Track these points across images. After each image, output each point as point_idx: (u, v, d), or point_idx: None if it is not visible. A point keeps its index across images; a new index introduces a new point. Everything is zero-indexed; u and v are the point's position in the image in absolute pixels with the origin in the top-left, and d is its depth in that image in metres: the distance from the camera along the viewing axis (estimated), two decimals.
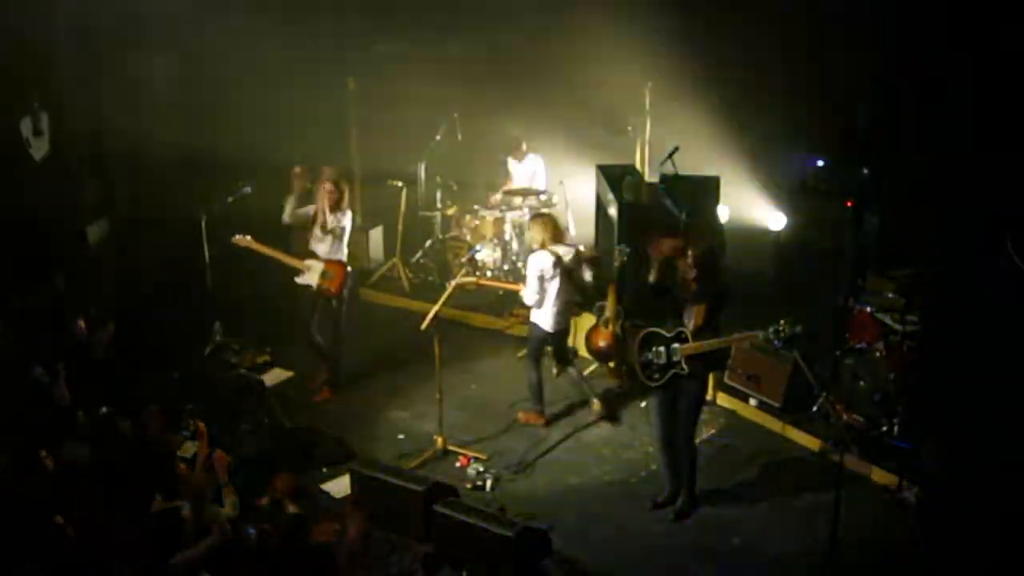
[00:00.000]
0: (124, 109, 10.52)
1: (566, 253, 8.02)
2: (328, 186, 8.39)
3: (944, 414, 6.85)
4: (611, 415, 8.46)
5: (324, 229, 8.42)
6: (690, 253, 6.67)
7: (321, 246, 8.47)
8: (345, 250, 8.58)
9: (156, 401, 7.92)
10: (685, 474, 7.13)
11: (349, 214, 8.58)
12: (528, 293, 7.98)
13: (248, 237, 8.54)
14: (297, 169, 8.67)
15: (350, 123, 11.48)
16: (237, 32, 10.24)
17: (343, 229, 8.47)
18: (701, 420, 8.03)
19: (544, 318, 8.07)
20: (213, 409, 8.26)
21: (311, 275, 8.46)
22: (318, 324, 8.67)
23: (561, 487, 7.59)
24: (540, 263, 7.89)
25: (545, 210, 8.81)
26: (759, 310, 9.53)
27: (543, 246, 7.95)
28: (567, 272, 7.98)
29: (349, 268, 8.61)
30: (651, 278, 6.91)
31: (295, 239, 9.05)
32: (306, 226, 8.53)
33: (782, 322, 6.63)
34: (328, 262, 8.47)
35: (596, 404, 8.51)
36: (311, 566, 5.54)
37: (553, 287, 7.95)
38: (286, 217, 8.60)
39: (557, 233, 8.06)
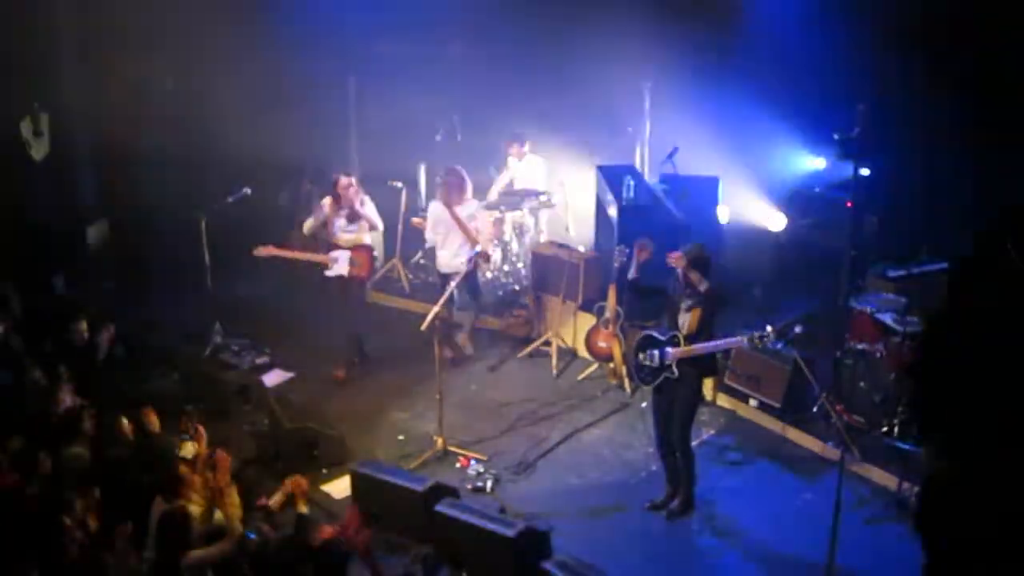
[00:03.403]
0: (124, 110, 10.52)
1: (463, 211, 8.87)
2: (345, 181, 8.73)
3: (944, 414, 6.85)
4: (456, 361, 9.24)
5: (352, 220, 8.79)
6: (682, 258, 6.68)
7: (345, 235, 8.82)
8: (368, 236, 8.99)
9: (156, 402, 7.95)
10: (683, 476, 7.15)
11: (368, 200, 8.95)
12: (427, 234, 9.20)
13: (270, 247, 8.78)
14: (328, 201, 8.85)
15: (350, 123, 11.49)
16: (238, 32, 10.23)
17: (372, 219, 8.91)
18: (701, 420, 8.08)
19: (440, 259, 9.07)
20: (213, 410, 8.28)
21: (340, 266, 8.78)
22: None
23: (561, 488, 7.59)
24: (433, 211, 9.10)
25: (453, 169, 9.14)
26: (758, 311, 9.59)
27: (441, 200, 8.96)
28: (459, 224, 8.87)
29: (374, 250, 9.07)
30: (631, 274, 6.93)
31: (296, 238, 9.12)
32: (321, 232, 8.92)
33: (768, 328, 6.73)
34: (354, 249, 8.79)
35: (449, 351, 9.08)
36: (312, 567, 5.54)
37: (444, 234, 8.93)
38: (306, 230, 8.98)
39: (452, 196, 8.87)
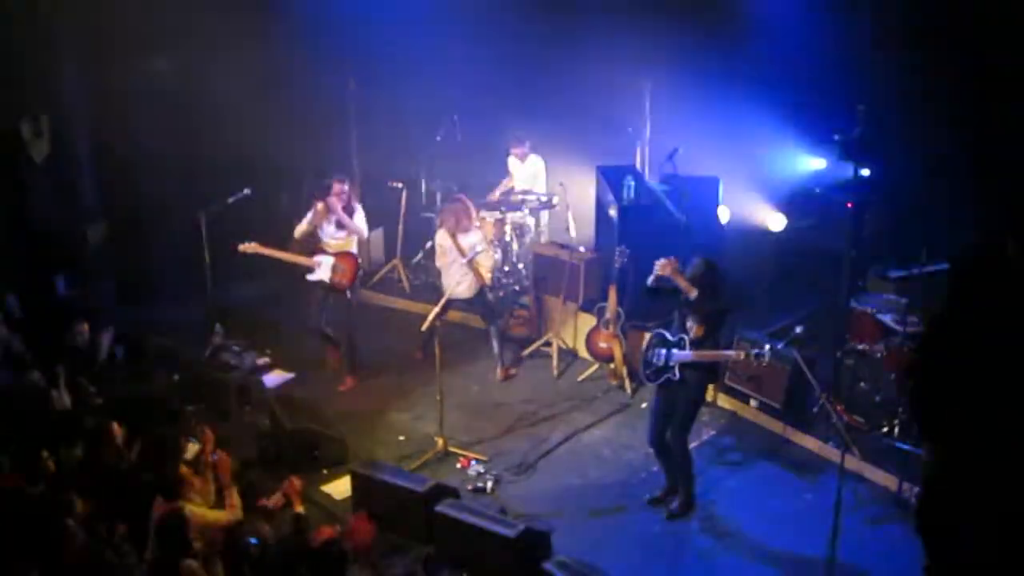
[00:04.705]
0: (124, 110, 10.51)
1: (466, 240, 8.76)
2: (338, 187, 8.70)
3: (944, 415, 6.85)
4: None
5: (340, 227, 8.74)
6: (688, 274, 6.70)
7: (333, 242, 8.77)
8: (355, 243, 8.91)
9: (156, 403, 7.95)
10: (681, 476, 7.17)
11: (359, 209, 8.89)
12: (437, 262, 9.07)
13: (253, 244, 8.70)
14: (320, 205, 8.80)
15: (350, 124, 11.48)
16: (237, 32, 10.23)
17: (357, 228, 8.84)
18: (702, 421, 8.09)
19: (445, 285, 8.88)
20: (214, 411, 8.29)
21: (322, 271, 8.71)
22: (328, 317, 8.95)
23: (562, 488, 7.59)
24: (439, 241, 8.99)
25: (459, 198, 9.15)
26: (759, 312, 9.60)
27: (445, 229, 8.85)
28: (460, 251, 8.76)
29: (359, 260, 8.91)
30: (649, 281, 6.95)
31: (292, 242, 9.13)
32: (313, 234, 8.83)
33: (767, 347, 6.88)
34: (338, 255, 8.72)
35: (500, 372, 9.20)
36: (315, 567, 5.54)
37: (449, 260, 8.84)
38: (297, 234, 8.89)
39: (460, 223, 8.81)
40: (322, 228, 8.77)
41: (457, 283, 8.78)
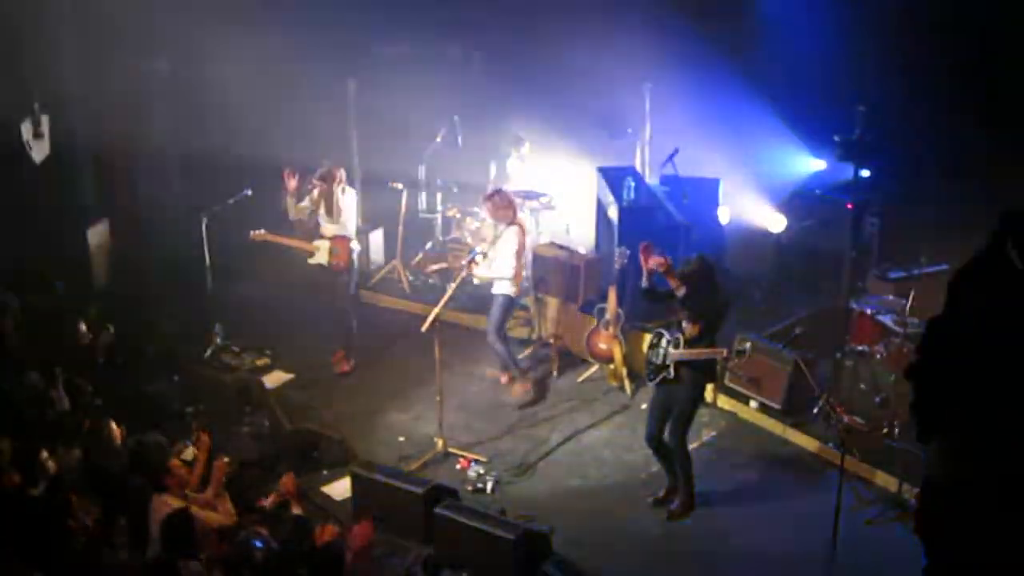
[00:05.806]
0: (124, 110, 10.51)
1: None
2: (319, 184, 8.87)
3: (944, 416, 6.84)
4: (528, 401, 8.80)
5: (331, 213, 8.93)
6: (678, 272, 6.72)
7: (329, 227, 8.99)
8: (351, 227, 9.09)
9: (156, 404, 7.95)
10: (681, 477, 7.17)
11: (350, 192, 9.05)
12: (505, 267, 8.38)
13: (262, 231, 9.02)
14: (288, 171, 8.94)
15: (350, 125, 11.48)
16: (237, 33, 10.23)
17: (346, 211, 8.96)
18: (702, 422, 8.09)
19: (513, 287, 8.51)
20: (213, 412, 8.28)
21: (321, 255, 8.98)
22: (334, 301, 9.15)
23: (562, 489, 7.60)
24: (522, 240, 8.45)
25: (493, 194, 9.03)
26: (759, 313, 9.60)
27: (515, 222, 8.47)
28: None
29: (353, 243, 9.05)
30: (643, 283, 6.97)
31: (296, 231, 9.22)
32: (310, 217, 9.03)
33: (747, 345, 7.03)
34: (333, 239, 8.95)
35: (517, 386, 8.92)
36: (314, 568, 5.54)
37: (528, 258, 8.75)
38: (292, 216, 9.04)
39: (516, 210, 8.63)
40: (317, 215, 8.96)
41: (527, 277, 8.96)
